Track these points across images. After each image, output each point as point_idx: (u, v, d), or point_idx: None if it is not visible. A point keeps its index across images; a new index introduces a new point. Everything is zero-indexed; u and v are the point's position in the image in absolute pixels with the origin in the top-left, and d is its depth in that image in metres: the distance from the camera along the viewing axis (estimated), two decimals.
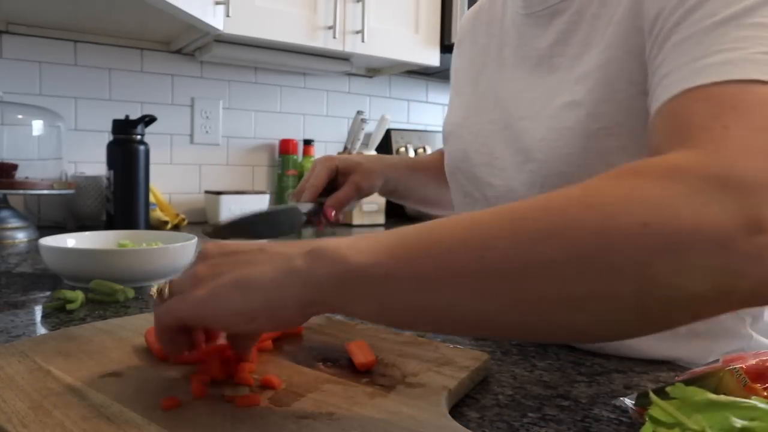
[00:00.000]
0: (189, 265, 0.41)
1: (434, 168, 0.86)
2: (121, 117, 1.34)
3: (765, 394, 0.34)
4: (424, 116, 2.13)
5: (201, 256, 0.40)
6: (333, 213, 0.73)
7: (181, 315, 0.37)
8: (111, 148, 1.32)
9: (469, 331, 0.40)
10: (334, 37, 1.51)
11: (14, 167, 1.27)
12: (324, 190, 0.75)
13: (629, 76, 0.49)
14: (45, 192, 1.26)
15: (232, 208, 1.53)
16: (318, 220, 0.75)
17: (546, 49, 0.58)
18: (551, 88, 0.56)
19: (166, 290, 0.40)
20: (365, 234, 0.37)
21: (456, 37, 0.80)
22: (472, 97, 0.69)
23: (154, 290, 0.42)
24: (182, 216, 1.54)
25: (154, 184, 1.48)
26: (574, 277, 0.31)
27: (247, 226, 0.71)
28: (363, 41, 1.56)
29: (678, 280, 0.30)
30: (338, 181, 0.77)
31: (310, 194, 0.74)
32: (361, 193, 0.76)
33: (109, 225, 1.31)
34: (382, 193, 0.82)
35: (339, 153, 1.83)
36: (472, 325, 0.36)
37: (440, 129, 2.33)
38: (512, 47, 0.64)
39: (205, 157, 1.71)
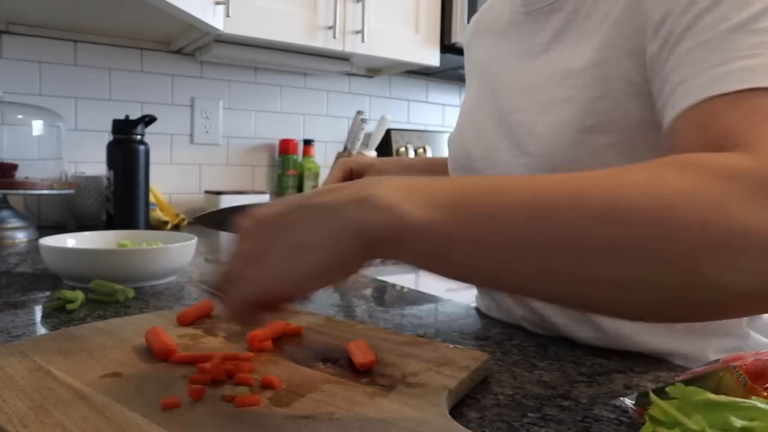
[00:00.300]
0: (232, 247, 0.40)
1: None
2: (121, 117, 1.34)
3: (765, 394, 0.34)
4: (424, 116, 2.13)
5: (241, 234, 0.39)
6: None
7: (252, 296, 0.37)
8: (111, 148, 1.32)
9: (515, 292, 0.42)
10: (334, 37, 1.51)
11: (14, 167, 1.27)
12: None
13: (626, 75, 0.49)
14: (45, 192, 1.26)
15: None
16: None
17: (543, 45, 0.59)
18: (543, 82, 0.57)
19: (225, 280, 0.39)
20: (415, 178, 0.37)
21: (464, 42, 0.82)
22: (475, 96, 0.71)
23: (211, 283, 0.40)
24: (182, 216, 1.54)
25: (154, 184, 1.48)
26: (629, 262, 0.31)
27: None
28: (363, 41, 1.56)
29: (727, 279, 0.31)
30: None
31: None
32: None
33: (109, 225, 1.31)
34: None
35: (339, 153, 1.83)
36: (520, 289, 0.37)
37: (440, 129, 2.34)
38: (510, 45, 0.65)
39: (205, 157, 1.71)
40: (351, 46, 1.56)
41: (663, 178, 0.33)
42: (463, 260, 0.34)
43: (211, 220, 0.74)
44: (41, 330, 0.59)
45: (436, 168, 0.84)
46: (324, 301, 0.74)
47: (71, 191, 1.33)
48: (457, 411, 0.40)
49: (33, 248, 1.11)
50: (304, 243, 0.35)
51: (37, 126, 1.37)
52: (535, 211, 0.33)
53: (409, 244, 0.34)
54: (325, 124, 1.91)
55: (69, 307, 0.65)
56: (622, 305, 0.34)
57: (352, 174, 0.80)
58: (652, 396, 0.31)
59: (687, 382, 0.33)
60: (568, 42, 0.56)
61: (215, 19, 1.30)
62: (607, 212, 0.32)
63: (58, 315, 0.64)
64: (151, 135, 1.39)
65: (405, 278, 1.25)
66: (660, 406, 0.30)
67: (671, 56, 0.43)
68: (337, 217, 0.35)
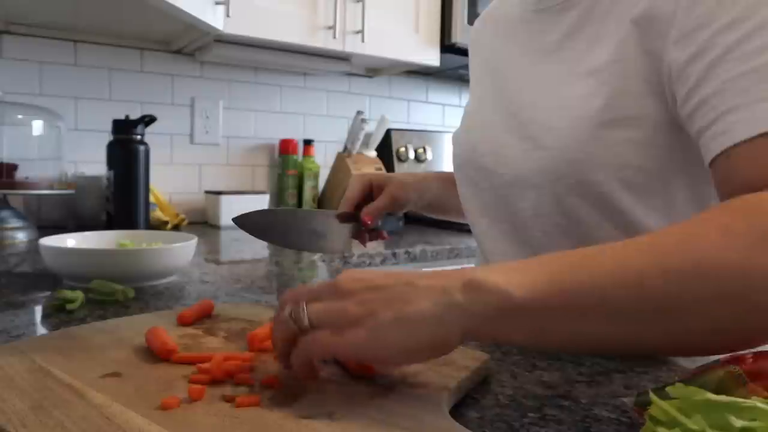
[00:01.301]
0: (324, 292, 0.40)
1: None
2: (121, 117, 1.34)
3: (765, 394, 0.34)
4: (424, 116, 2.13)
5: (342, 291, 0.39)
6: (370, 220, 0.75)
7: (337, 352, 0.39)
8: (111, 148, 1.32)
9: (614, 353, 0.46)
10: (334, 37, 1.51)
11: (14, 167, 1.27)
12: (360, 203, 0.78)
13: (643, 74, 0.51)
14: (45, 192, 1.26)
15: (232, 208, 1.53)
16: (361, 236, 0.77)
17: (555, 42, 0.60)
18: (559, 79, 0.58)
19: (304, 317, 0.39)
20: (506, 263, 0.40)
21: (469, 41, 0.82)
22: (481, 94, 0.71)
23: (286, 312, 0.40)
24: (182, 216, 1.54)
25: (154, 184, 1.48)
26: (720, 312, 0.36)
27: (276, 221, 0.74)
28: (363, 41, 1.56)
29: None
30: (374, 195, 0.79)
31: (347, 205, 0.77)
32: (397, 203, 0.78)
33: (109, 225, 1.31)
34: (418, 207, 0.83)
35: (339, 153, 1.83)
36: (618, 347, 0.41)
37: (440, 129, 2.33)
38: (521, 43, 0.66)
39: (205, 157, 1.71)
40: (351, 46, 1.56)
41: (733, 230, 0.37)
42: (565, 331, 0.38)
43: (249, 221, 0.74)
44: (41, 330, 0.59)
45: (448, 181, 0.84)
46: None
47: (71, 191, 1.33)
48: (457, 411, 0.40)
49: (33, 248, 1.11)
50: (412, 318, 0.37)
51: (37, 126, 1.37)
52: (627, 279, 0.37)
53: (515, 321, 0.37)
54: (325, 124, 1.91)
55: (69, 307, 0.65)
56: (718, 346, 0.38)
57: (372, 187, 0.79)
58: (652, 396, 0.31)
59: (687, 382, 0.33)
60: (584, 40, 0.57)
61: (215, 19, 1.30)
62: (693, 270, 0.36)
63: (58, 315, 0.64)
64: (151, 135, 1.39)
65: None
66: (660, 406, 0.30)
67: (709, 75, 0.44)
68: (444, 299, 0.37)
